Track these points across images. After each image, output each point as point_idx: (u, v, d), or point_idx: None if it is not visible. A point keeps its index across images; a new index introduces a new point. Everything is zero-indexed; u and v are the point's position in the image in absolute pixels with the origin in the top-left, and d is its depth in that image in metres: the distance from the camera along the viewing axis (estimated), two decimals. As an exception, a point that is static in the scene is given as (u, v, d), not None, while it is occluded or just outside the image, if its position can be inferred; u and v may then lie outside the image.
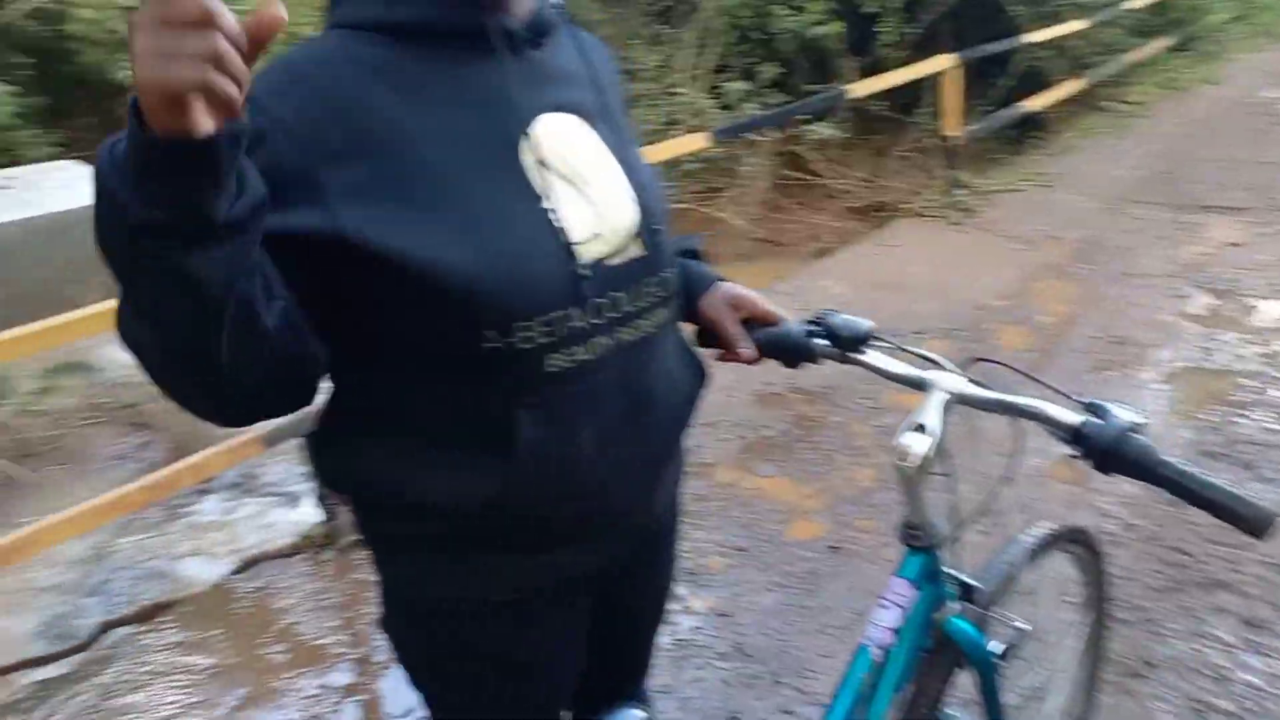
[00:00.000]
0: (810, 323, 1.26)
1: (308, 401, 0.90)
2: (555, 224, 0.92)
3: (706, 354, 1.24)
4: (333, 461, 1.03)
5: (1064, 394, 1.18)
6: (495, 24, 0.92)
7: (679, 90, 6.69)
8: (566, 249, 0.92)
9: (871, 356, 1.23)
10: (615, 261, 0.97)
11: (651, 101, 6.92)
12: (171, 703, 2.24)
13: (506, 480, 0.95)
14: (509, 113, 0.92)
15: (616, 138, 1.03)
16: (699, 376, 1.17)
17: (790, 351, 1.24)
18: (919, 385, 1.21)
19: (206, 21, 0.60)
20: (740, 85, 6.62)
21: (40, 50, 8.60)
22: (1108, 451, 1.03)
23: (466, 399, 0.94)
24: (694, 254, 1.26)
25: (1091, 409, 1.10)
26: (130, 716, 2.22)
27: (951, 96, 5.56)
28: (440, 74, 0.90)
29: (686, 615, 2.47)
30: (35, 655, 3.08)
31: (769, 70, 6.72)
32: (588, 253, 0.94)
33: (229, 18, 0.62)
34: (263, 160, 0.80)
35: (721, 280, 1.23)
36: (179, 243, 0.68)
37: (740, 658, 2.33)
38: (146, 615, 2.69)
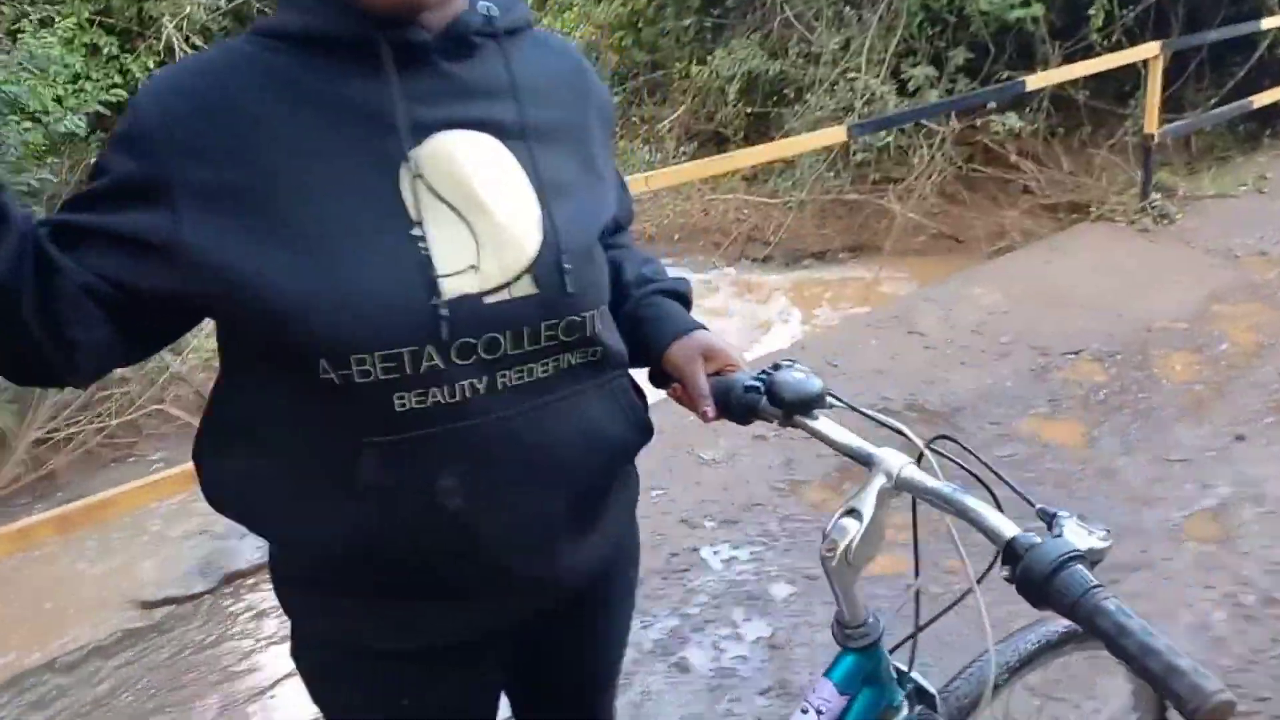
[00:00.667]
0: (758, 376, 1.13)
1: (38, 378, 0.89)
2: (421, 253, 0.85)
3: (660, 392, 1.15)
4: (206, 477, 1.01)
5: (1024, 496, 1.00)
6: (391, 36, 0.86)
7: (857, 75, 6.38)
8: (428, 281, 0.85)
9: (821, 422, 1.09)
10: (496, 299, 0.88)
11: (829, 87, 6.66)
12: (222, 669, 2.39)
13: (352, 520, 0.91)
14: (392, 130, 0.86)
15: (543, 161, 0.94)
16: (638, 430, 1.08)
17: (732, 409, 1.12)
18: (864, 462, 1.06)
19: None
20: (925, 71, 6.22)
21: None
22: (1034, 579, 0.85)
23: (314, 429, 0.90)
24: (680, 296, 1.17)
25: (1046, 520, 0.92)
26: (193, 675, 2.39)
27: (1155, 88, 4.96)
28: (332, 86, 0.87)
29: (734, 642, 2.37)
30: (170, 596, 3.41)
31: (958, 55, 6.27)
32: (456, 287, 0.86)
33: None
34: (125, 156, 0.83)
35: (699, 328, 1.13)
36: None
37: (782, 695, 2.20)
38: (256, 571, 2.89)
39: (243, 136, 0.84)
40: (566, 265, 0.92)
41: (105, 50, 7.36)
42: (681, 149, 7.73)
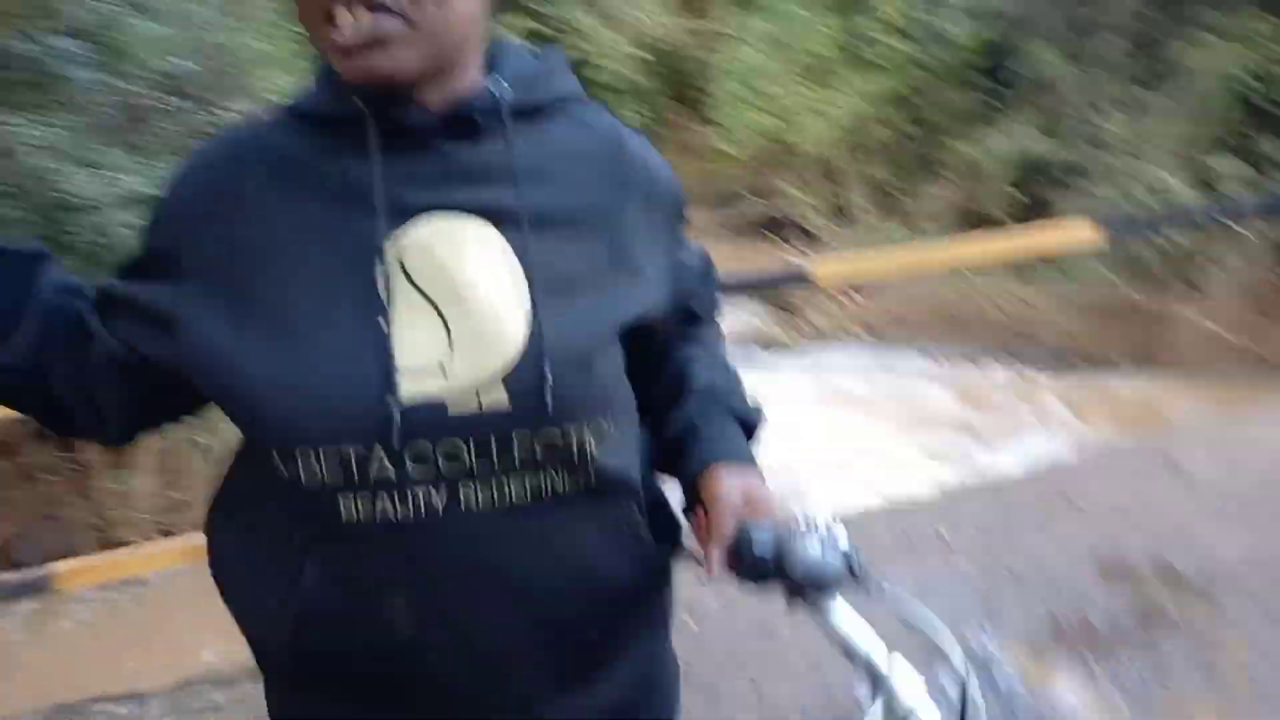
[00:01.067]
0: (778, 535, 0.90)
1: (72, 434, 0.97)
2: (384, 346, 0.79)
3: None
4: (209, 546, 0.97)
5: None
6: (382, 115, 0.82)
7: (1146, 165, 5.69)
8: (385, 377, 0.78)
9: (835, 608, 0.84)
10: (461, 404, 0.79)
11: (1112, 177, 5.99)
12: None
13: (296, 627, 0.86)
14: (373, 212, 0.81)
15: (544, 252, 0.84)
16: (646, 569, 0.94)
17: (743, 564, 0.87)
18: (872, 678, 0.84)
19: None
20: (1234, 166, 5.42)
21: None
22: None
23: (272, 523, 0.87)
24: (747, 423, 1.01)
25: None
26: None
27: None
28: (329, 166, 0.84)
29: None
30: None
31: (1272, 148, 5.42)
32: (419, 387, 0.78)
33: None
34: (150, 228, 0.88)
35: (748, 464, 0.95)
36: None
37: None
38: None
39: (239, 215, 0.83)
40: (549, 374, 0.80)
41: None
42: (940, 229, 7.29)
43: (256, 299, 0.81)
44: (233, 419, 0.84)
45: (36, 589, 2.07)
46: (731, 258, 8.64)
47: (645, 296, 0.91)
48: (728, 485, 0.91)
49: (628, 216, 0.90)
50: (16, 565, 3.87)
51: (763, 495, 0.91)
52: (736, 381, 1.04)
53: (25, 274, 0.88)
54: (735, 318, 6.99)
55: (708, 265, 1.07)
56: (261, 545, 0.89)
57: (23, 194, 3.27)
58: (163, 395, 0.90)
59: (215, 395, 0.84)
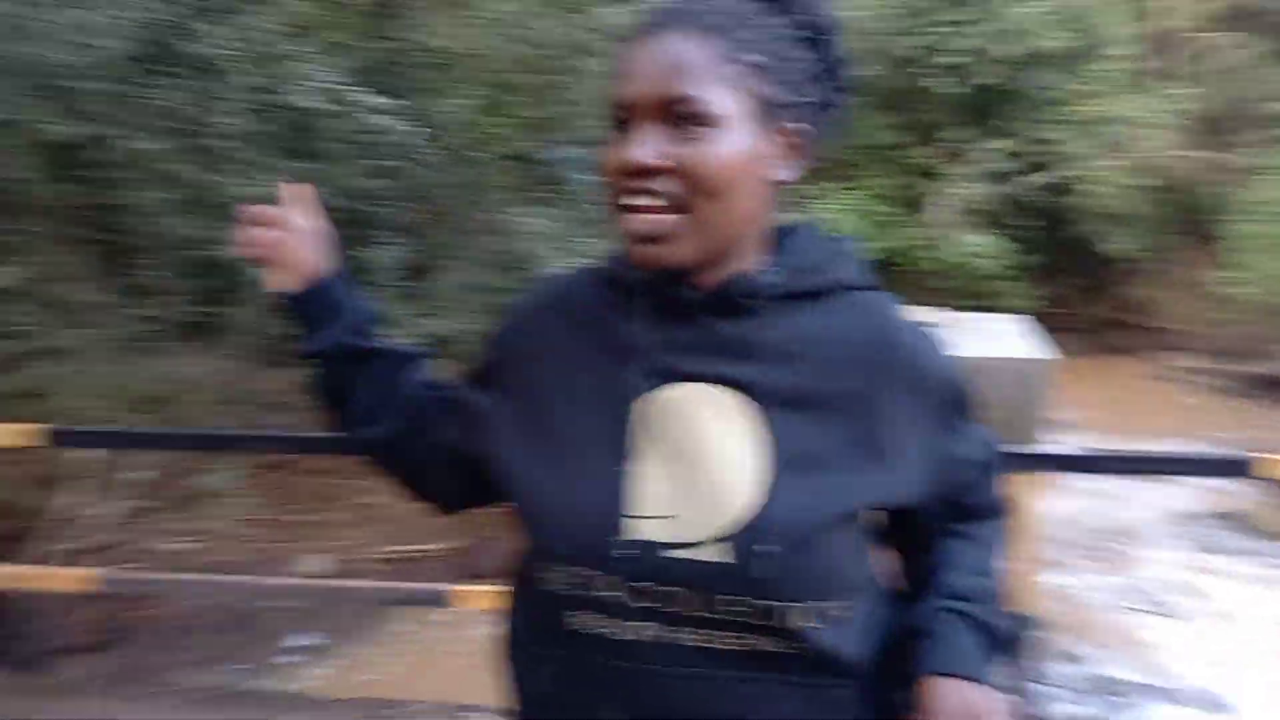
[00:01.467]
0: None
1: (417, 501, 1.16)
2: (620, 489, 0.89)
3: None
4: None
5: None
6: (655, 288, 0.93)
7: None
8: (614, 517, 0.88)
9: None
10: (682, 554, 0.87)
11: None
12: None
13: (526, 708, 0.99)
14: (636, 370, 0.93)
15: (790, 429, 0.89)
16: None
17: None
18: None
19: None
20: None
21: (1048, 215, 9.44)
22: None
23: (528, 614, 1.00)
24: (990, 632, 0.96)
25: None
26: None
27: None
28: (610, 322, 0.96)
29: None
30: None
31: None
32: (646, 530, 0.88)
33: (255, 218, 1.10)
34: (486, 346, 1.07)
35: (976, 679, 0.91)
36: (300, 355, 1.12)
37: None
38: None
39: (540, 351, 1.00)
40: (760, 545, 0.85)
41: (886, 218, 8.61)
42: None
43: (539, 424, 0.96)
44: (515, 517, 0.97)
45: (433, 602, 2.42)
46: (1219, 418, 7.39)
47: (894, 484, 0.92)
48: (947, 699, 0.89)
49: (885, 404, 0.92)
50: (470, 570, 4.56)
51: (985, 716, 0.87)
52: (991, 587, 0.99)
53: (400, 369, 1.12)
54: (1215, 488, 5.95)
55: (991, 458, 1.03)
56: (520, 630, 1.02)
57: (510, 269, 3.94)
58: (479, 481, 1.04)
59: (504, 494, 0.98)
